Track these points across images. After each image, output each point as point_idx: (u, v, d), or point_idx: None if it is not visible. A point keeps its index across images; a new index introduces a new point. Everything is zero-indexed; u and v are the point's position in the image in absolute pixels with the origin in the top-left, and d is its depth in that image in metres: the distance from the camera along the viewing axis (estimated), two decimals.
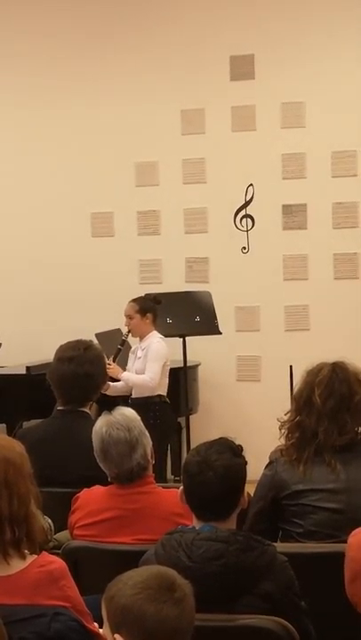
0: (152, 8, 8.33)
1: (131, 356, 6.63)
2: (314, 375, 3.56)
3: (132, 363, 6.57)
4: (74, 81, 8.47)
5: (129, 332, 6.60)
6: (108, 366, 6.18)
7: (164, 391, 6.52)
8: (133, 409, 5.85)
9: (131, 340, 6.83)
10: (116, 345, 6.71)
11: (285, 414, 3.60)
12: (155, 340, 6.51)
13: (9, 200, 8.62)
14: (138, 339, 6.63)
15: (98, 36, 8.41)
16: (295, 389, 3.65)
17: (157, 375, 6.38)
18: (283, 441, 3.57)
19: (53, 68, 8.50)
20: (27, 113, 8.57)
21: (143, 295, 6.87)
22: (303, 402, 3.54)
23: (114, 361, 6.45)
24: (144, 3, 8.35)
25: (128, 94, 8.36)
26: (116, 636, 2.07)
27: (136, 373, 6.45)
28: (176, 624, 2.07)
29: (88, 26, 8.44)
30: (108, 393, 6.14)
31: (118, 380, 6.43)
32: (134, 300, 6.62)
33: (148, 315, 6.53)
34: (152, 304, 6.61)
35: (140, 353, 6.51)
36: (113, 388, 6.35)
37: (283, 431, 3.57)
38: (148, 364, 6.40)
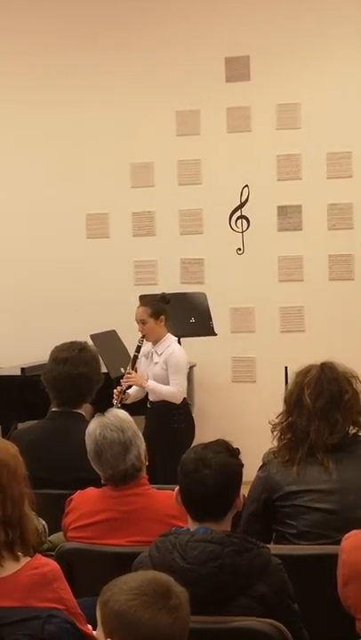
0: (147, 9, 8.33)
1: (143, 360, 6.31)
2: (303, 376, 3.58)
3: (146, 367, 6.28)
4: (69, 82, 8.47)
5: (143, 337, 6.21)
6: (128, 376, 6.12)
7: (186, 394, 6.34)
8: (155, 413, 5.83)
9: (132, 341, 6.71)
10: (113, 344, 6.63)
11: (277, 416, 3.61)
12: (173, 347, 6.26)
13: (4, 201, 8.61)
14: (150, 342, 6.30)
15: (93, 36, 8.41)
16: (286, 391, 3.65)
17: (184, 387, 6.20)
18: (275, 443, 3.57)
19: (48, 70, 8.50)
20: (21, 114, 8.56)
21: (148, 296, 6.66)
22: (293, 403, 3.55)
23: (132, 368, 6.21)
24: (139, 4, 8.35)
25: (123, 95, 8.35)
26: None
27: (154, 379, 6.21)
28: (170, 631, 2.05)
29: (83, 27, 8.44)
30: (126, 402, 6.04)
31: (129, 387, 6.22)
32: (145, 304, 6.28)
33: (162, 317, 6.21)
34: (162, 304, 6.31)
35: (156, 358, 6.23)
36: (130, 397, 6.22)
37: (275, 433, 3.58)
38: (172, 376, 6.15)
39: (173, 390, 6.17)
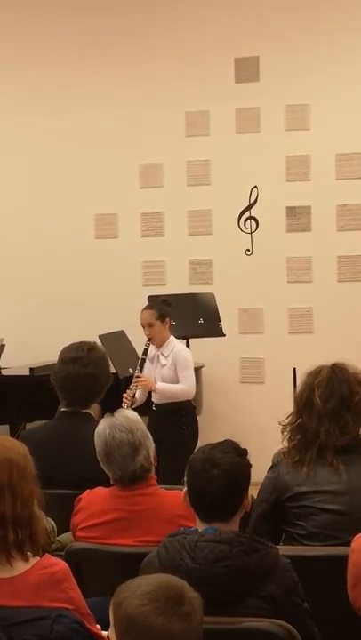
0: (157, 11, 8.33)
1: (148, 364, 6.34)
2: (313, 377, 3.58)
3: (151, 371, 6.32)
4: (78, 83, 8.48)
5: (150, 340, 6.28)
6: (138, 379, 6.16)
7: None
8: (160, 414, 5.85)
9: (140, 342, 6.72)
10: (121, 344, 6.64)
11: (287, 417, 3.61)
12: (179, 346, 6.34)
13: (13, 202, 8.62)
14: (155, 346, 6.35)
15: (103, 38, 8.41)
16: (296, 392, 3.65)
17: (194, 384, 6.26)
18: (285, 443, 3.57)
19: (58, 72, 8.51)
20: (30, 116, 8.58)
21: (151, 300, 6.73)
22: (304, 403, 3.55)
23: (140, 372, 6.24)
24: (149, 5, 8.36)
25: (132, 96, 8.36)
26: None
27: (162, 381, 6.25)
28: (182, 638, 2.04)
29: (93, 28, 8.44)
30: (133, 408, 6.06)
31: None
32: (150, 307, 6.37)
33: (167, 319, 6.30)
34: (167, 307, 6.40)
35: (163, 360, 6.28)
36: (137, 402, 6.25)
37: (285, 434, 3.58)
38: (181, 373, 6.21)
39: (184, 387, 6.23)
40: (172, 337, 6.38)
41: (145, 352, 6.31)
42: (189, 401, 6.36)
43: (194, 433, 6.36)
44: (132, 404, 6.09)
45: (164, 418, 6.17)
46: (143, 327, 6.29)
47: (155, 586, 2.08)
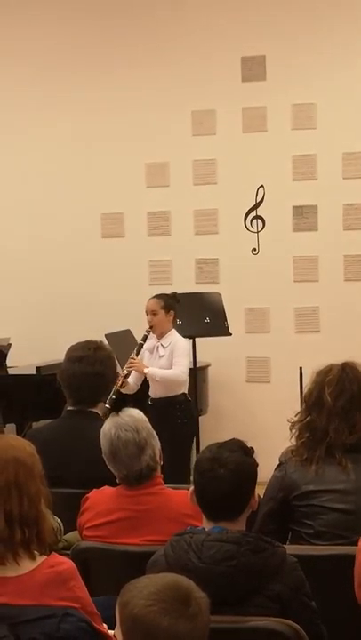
0: (163, 9, 8.33)
1: (145, 353, 6.50)
2: (324, 375, 3.58)
3: (149, 361, 6.45)
4: (85, 83, 8.48)
5: (151, 327, 6.46)
6: (132, 361, 6.25)
7: (186, 389, 6.49)
8: (156, 409, 5.89)
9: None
10: (128, 343, 6.67)
11: (295, 415, 3.61)
12: (178, 337, 6.47)
13: (20, 201, 8.63)
14: (153, 337, 6.53)
15: (109, 37, 8.41)
16: (305, 390, 3.65)
17: (187, 369, 6.36)
18: (293, 442, 3.57)
19: (64, 70, 8.51)
20: (37, 115, 8.58)
21: (162, 293, 6.82)
22: (313, 401, 3.55)
23: (136, 355, 6.38)
24: (156, 4, 8.36)
25: (139, 95, 8.36)
26: None
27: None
28: (188, 639, 2.03)
29: (100, 27, 8.44)
30: (123, 391, 6.13)
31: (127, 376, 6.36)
32: (158, 297, 6.55)
33: (172, 312, 6.47)
34: (174, 302, 6.57)
35: (162, 351, 6.42)
36: (127, 387, 6.33)
37: (293, 432, 3.58)
38: (176, 359, 6.33)
39: (175, 372, 6.33)
40: (173, 330, 6.50)
41: (144, 338, 6.47)
42: (184, 394, 6.44)
43: (190, 427, 6.44)
44: (123, 385, 6.17)
45: (159, 412, 6.18)
46: (147, 314, 6.45)
47: (161, 586, 2.08)
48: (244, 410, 8.14)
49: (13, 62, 8.65)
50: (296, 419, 3.59)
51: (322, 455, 3.47)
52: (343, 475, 3.43)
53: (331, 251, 8.02)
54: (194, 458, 6.90)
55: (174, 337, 6.46)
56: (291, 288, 8.11)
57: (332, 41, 8.00)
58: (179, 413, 6.29)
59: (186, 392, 6.47)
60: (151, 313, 6.44)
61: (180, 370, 6.34)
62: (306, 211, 8.09)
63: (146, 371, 6.34)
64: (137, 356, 6.39)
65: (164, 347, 6.43)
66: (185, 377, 6.38)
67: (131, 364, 6.32)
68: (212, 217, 8.29)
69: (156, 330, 6.46)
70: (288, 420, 3.61)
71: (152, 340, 6.50)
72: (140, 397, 6.42)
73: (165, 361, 6.39)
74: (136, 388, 6.48)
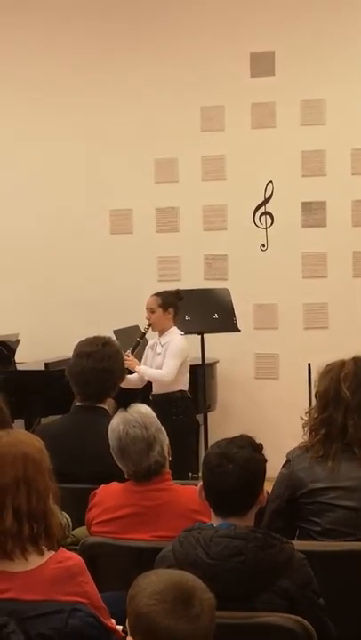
0: (173, 5, 8.32)
1: (148, 351, 6.56)
2: (338, 370, 3.58)
3: (150, 358, 6.51)
4: (93, 78, 8.48)
5: (150, 325, 6.52)
6: (125, 358, 6.26)
7: (185, 386, 6.49)
8: (155, 405, 5.90)
9: (149, 335, 6.81)
10: (135, 338, 6.69)
11: (307, 412, 3.61)
12: (176, 336, 6.46)
13: (29, 197, 8.63)
14: (156, 334, 6.59)
15: (118, 33, 8.41)
16: (318, 387, 3.64)
17: (174, 371, 6.35)
18: (305, 438, 3.57)
19: (73, 66, 8.51)
20: (45, 111, 8.58)
21: (165, 290, 6.84)
22: (330, 397, 3.54)
23: (132, 353, 6.43)
24: (164, 1, 8.35)
25: (148, 91, 8.35)
26: (129, 638, 2.07)
27: (156, 369, 6.43)
28: (193, 637, 2.03)
29: (108, 22, 8.44)
30: (122, 385, 6.16)
31: (132, 373, 6.40)
32: (157, 294, 6.56)
33: (170, 309, 6.47)
34: (174, 299, 6.55)
35: (159, 349, 6.46)
36: (127, 381, 6.34)
37: (305, 429, 3.57)
38: (166, 359, 6.35)
39: (161, 372, 6.36)
40: (173, 328, 6.50)
41: (142, 335, 6.56)
42: (181, 391, 6.46)
43: (187, 424, 6.44)
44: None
45: (157, 408, 6.18)
46: (146, 310, 6.48)
47: (165, 585, 2.08)
48: (252, 406, 8.13)
49: (20, 60, 8.64)
50: (310, 416, 3.58)
51: (339, 451, 3.47)
52: (356, 471, 3.43)
53: (340, 247, 8.00)
54: (202, 453, 6.93)
55: (172, 336, 6.46)
56: (299, 284, 8.10)
57: (341, 37, 7.98)
58: (175, 410, 6.30)
59: (185, 389, 6.48)
60: (149, 310, 6.48)
61: (166, 371, 6.33)
62: (315, 207, 8.07)
63: (137, 368, 6.37)
64: (133, 352, 6.43)
65: (161, 345, 6.45)
66: (169, 378, 6.34)
67: (124, 361, 6.34)
68: (220, 213, 8.28)
69: (154, 327, 6.51)
70: (302, 418, 3.60)
71: (155, 339, 6.55)
72: (148, 393, 6.46)
73: (161, 359, 6.40)
74: (143, 384, 6.49)
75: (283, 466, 3.60)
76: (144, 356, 6.58)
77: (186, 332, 6.67)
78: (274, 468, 3.35)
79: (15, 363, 7.91)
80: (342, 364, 3.59)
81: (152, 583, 2.09)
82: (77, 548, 3.32)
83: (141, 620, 2.04)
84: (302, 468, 3.50)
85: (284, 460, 3.61)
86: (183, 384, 6.49)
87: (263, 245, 8.21)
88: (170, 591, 2.06)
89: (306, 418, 3.60)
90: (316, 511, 3.43)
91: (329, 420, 3.51)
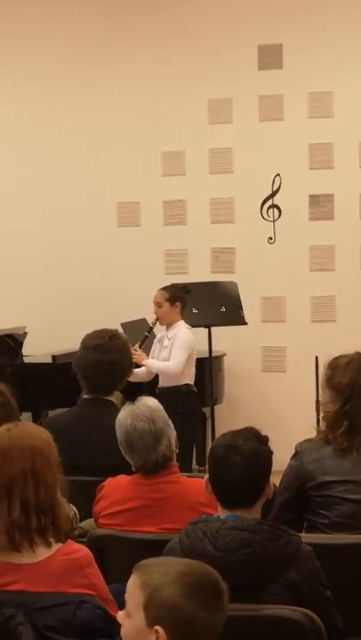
0: None
1: (156, 344, 6.59)
2: (357, 362, 3.59)
3: (157, 351, 6.54)
4: (101, 70, 8.46)
5: (157, 319, 6.56)
6: (133, 352, 6.27)
7: (191, 380, 6.51)
8: (160, 398, 5.90)
9: (156, 329, 6.82)
10: (143, 332, 6.71)
11: (325, 404, 3.61)
12: (182, 329, 6.48)
13: (36, 190, 8.63)
14: (164, 328, 6.60)
15: (125, 23, 8.40)
16: (337, 379, 3.63)
17: (181, 363, 6.37)
18: (321, 429, 3.58)
19: (80, 57, 8.50)
20: (52, 104, 8.57)
21: (172, 284, 6.85)
22: (351, 390, 3.54)
23: (140, 347, 6.45)
24: None
25: (155, 83, 8.34)
26: (158, 628, 2.07)
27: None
28: (219, 628, 2.11)
29: (115, 13, 8.43)
30: (129, 379, 6.16)
31: (140, 367, 6.41)
32: (164, 288, 6.59)
33: (178, 303, 6.50)
34: (182, 293, 6.59)
35: (166, 342, 6.48)
36: (135, 375, 6.35)
37: (323, 422, 3.58)
38: (173, 351, 6.37)
39: (168, 364, 6.38)
40: (181, 322, 6.52)
41: (149, 330, 6.62)
42: (187, 385, 6.46)
43: (191, 418, 6.44)
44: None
45: (163, 401, 6.20)
46: (154, 304, 6.51)
47: (192, 573, 2.11)
48: (259, 399, 8.13)
49: (23, 52, 8.64)
50: (328, 409, 3.59)
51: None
52: None
53: (347, 240, 7.99)
54: (209, 446, 6.93)
55: (179, 329, 6.48)
56: (307, 277, 8.09)
57: (349, 29, 7.95)
58: (179, 403, 6.31)
59: (190, 383, 6.49)
60: (156, 305, 6.51)
61: (174, 362, 6.36)
62: (322, 200, 8.06)
63: (144, 362, 6.39)
64: (140, 346, 6.46)
65: (168, 338, 6.48)
66: (177, 369, 6.36)
67: (132, 355, 6.36)
68: (228, 206, 8.27)
69: (161, 321, 6.55)
70: (321, 410, 3.61)
71: (162, 332, 6.57)
72: (155, 386, 6.48)
73: (168, 352, 6.43)
74: (150, 377, 6.50)
75: (291, 458, 3.60)
76: (151, 350, 6.60)
77: (193, 325, 6.68)
78: (280, 460, 3.35)
79: (22, 355, 7.92)
80: (357, 356, 3.61)
81: (179, 574, 2.11)
82: (85, 540, 3.33)
83: (177, 612, 2.06)
84: (312, 461, 3.50)
85: (291, 452, 3.62)
86: (189, 377, 6.50)
87: (271, 238, 8.20)
88: (201, 582, 2.10)
89: (324, 411, 3.61)
90: (325, 504, 3.44)
91: (351, 413, 3.52)
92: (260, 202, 8.20)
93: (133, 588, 2.13)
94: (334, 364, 3.65)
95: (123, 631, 2.16)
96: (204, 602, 2.07)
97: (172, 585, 2.08)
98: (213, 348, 7.15)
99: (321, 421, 3.62)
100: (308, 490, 3.47)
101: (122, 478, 3.58)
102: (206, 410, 7.37)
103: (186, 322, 6.62)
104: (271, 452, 2.87)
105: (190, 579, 2.10)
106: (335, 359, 3.68)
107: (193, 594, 2.07)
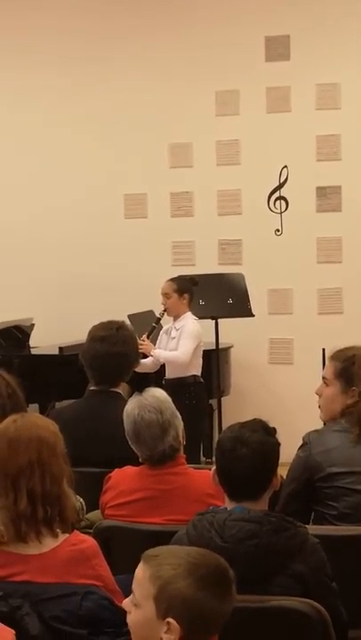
0: None
1: (163, 335, 6.60)
2: None
3: (164, 343, 6.54)
4: (108, 63, 8.45)
5: (165, 310, 6.57)
6: (141, 342, 6.28)
7: (198, 371, 6.51)
8: (167, 389, 5.91)
9: (163, 320, 6.82)
10: (150, 324, 6.71)
11: (350, 397, 3.62)
12: (190, 320, 6.49)
13: (42, 182, 8.63)
14: (171, 319, 6.61)
15: (132, 15, 8.38)
16: (351, 372, 3.64)
17: (189, 352, 6.37)
18: (321, 424, 3.59)
19: (87, 50, 8.49)
20: (59, 97, 8.56)
21: (180, 275, 6.85)
22: None
23: (148, 338, 6.47)
24: None
25: (162, 75, 8.33)
26: (170, 620, 2.08)
27: None
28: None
29: (122, 5, 8.41)
30: (136, 370, 6.17)
31: (146, 357, 6.42)
32: (172, 280, 6.59)
33: (186, 295, 6.50)
34: (190, 285, 6.59)
35: (174, 333, 6.49)
36: (142, 366, 6.36)
37: (346, 415, 3.59)
38: (181, 341, 6.38)
39: (176, 353, 6.39)
40: (188, 313, 6.53)
41: (157, 320, 6.64)
42: (194, 376, 6.47)
43: (198, 409, 6.45)
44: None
45: (170, 392, 6.20)
46: (162, 296, 6.52)
47: (203, 563, 2.13)
48: (266, 391, 8.13)
49: (30, 45, 8.63)
50: (351, 401, 3.60)
51: None
52: None
53: (354, 232, 7.97)
54: (215, 437, 6.93)
55: (186, 320, 6.49)
56: (314, 269, 8.08)
57: (356, 21, 7.91)
58: (187, 394, 6.31)
59: (197, 374, 6.50)
60: (164, 296, 6.52)
61: (181, 351, 6.37)
62: (329, 191, 8.04)
63: (152, 352, 6.40)
64: (148, 337, 6.47)
65: (176, 329, 6.49)
66: (185, 358, 6.37)
67: (140, 346, 6.37)
68: (235, 197, 8.26)
69: (169, 312, 6.56)
70: (345, 406, 3.62)
71: (170, 324, 6.59)
72: (162, 377, 6.48)
73: (175, 343, 6.44)
74: (157, 368, 6.51)
75: (299, 448, 3.60)
76: (158, 341, 6.61)
77: (200, 317, 6.68)
78: (288, 452, 3.34)
79: (30, 347, 7.93)
80: None
81: (191, 565, 2.13)
82: (91, 531, 3.33)
83: (191, 604, 2.08)
84: (320, 452, 3.50)
85: (298, 444, 3.61)
86: (196, 369, 6.51)
87: (278, 230, 8.19)
88: (214, 573, 2.13)
89: (348, 403, 3.61)
90: (334, 495, 3.44)
91: None
92: (268, 194, 8.18)
93: (142, 579, 2.13)
94: (343, 356, 3.66)
95: (130, 620, 2.17)
96: (215, 592, 2.09)
97: (183, 577, 2.09)
98: (220, 340, 7.14)
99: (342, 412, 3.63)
100: (317, 481, 3.47)
101: (129, 469, 3.58)
102: (213, 402, 7.37)
103: (193, 314, 6.62)
104: (279, 444, 2.87)
105: (201, 570, 2.11)
106: (341, 351, 3.69)
107: (205, 586, 2.09)
